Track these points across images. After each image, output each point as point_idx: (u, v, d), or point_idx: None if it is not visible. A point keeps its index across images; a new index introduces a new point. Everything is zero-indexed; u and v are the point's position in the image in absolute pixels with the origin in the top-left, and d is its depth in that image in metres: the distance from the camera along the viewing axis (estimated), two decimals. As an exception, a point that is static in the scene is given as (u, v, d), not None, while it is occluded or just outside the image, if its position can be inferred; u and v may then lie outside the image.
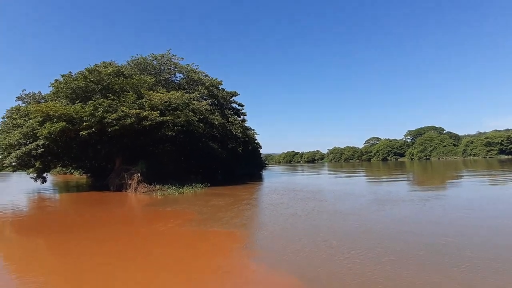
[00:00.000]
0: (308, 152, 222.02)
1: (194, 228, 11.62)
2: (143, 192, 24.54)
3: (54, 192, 31.24)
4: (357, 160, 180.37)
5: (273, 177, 46.26)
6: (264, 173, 59.20)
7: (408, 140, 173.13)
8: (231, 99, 44.17)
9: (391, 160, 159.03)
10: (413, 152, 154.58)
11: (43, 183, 32.64)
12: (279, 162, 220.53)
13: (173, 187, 25.26)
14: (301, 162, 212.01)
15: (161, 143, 30.32)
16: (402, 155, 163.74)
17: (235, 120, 39.62)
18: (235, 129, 37.69)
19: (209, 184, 28.00)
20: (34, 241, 11.07)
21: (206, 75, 38.89)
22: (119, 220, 15.00)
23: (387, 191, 21.61)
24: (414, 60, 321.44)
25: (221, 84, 40.65)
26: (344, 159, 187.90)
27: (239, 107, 47.44)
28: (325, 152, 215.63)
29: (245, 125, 47.85)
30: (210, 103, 34.24)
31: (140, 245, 9.85)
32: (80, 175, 55.95)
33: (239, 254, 8.52)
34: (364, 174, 48.37)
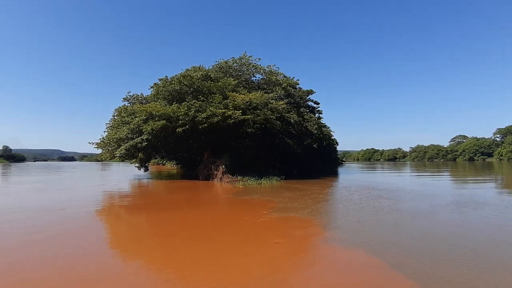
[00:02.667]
0: (388, 150, 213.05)
1: (277, 214, 12.96)
2: (227, 182, 27.71)
3: (153, 179, 36.47)
4: (441, 160, 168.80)
5: (348, 174, 46.70)
6: (340, 170, 59.22)
7: (498, 139, 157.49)
8: (307, 97, 45.93)
9: (477, 160, 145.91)
10: (502, 152, 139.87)
11: (145, 171, 38.84)
12: (357, 160, 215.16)
13: (253, 179, 27.89)
14: (380, 160, 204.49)
15: (242, 139, 33.39)
16: (490, 155, 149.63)
17: (310, 118, 41.02)
18: (310, 126, 39.06)
19: (284, 178, 30.10)
20: (140, 217, 13.79)
21: (284, 76, 41.07)
22: (212, 203, 18.09)
23: (470, 194, 20.62)
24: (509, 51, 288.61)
25: (298, 84, 42.74)
26: (428, 158, 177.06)
27: (315, 105, 48.89)
28: (407, 150, 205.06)
29: (321, 122, 49.21)
30: (287, 102, 36.15)
31: (236, 224, 12.14)
32: (172, 166, 62.99)
33: (320, 237, 9.52)
34: (447, 174, 46.29)
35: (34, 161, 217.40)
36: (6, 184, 31.69)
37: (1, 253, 7.92)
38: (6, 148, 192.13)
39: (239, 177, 28.34)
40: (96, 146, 33.61)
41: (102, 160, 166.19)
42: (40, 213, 13.59)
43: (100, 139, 33.53)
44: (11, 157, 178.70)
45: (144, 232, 10.95)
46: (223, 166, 29.36)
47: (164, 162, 63.79)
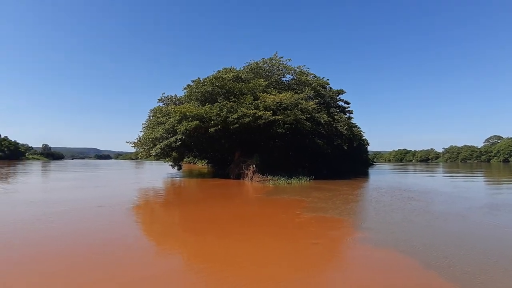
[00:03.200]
0: (421, 151, 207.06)
1: (310, 214, 13.09)
2: (257, 181, 28.29)
3: (185, 177, 37.66)
4: (475, 161, 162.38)
5: (379, 175, 46.22)
6: (371, 171, 58.56)
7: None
8: (337, 97, 45.79)
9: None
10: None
11: (178, 169, 40.33)
12: (389, 161, 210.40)
13: (282, 179, 28.14)
14: (413, 161, 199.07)
15: (272, 139, 33.80)
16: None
17: (341, 118, 40.95)
18: (340, 126, 39.04)
19: (314, 178, 30.21)
20: (176, 214, 14.33)
21: (314, 76, 41.14)
22: (246, 202, 18.79)
23: (504, 196, 20.42)
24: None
25: (328, 84, 42.75)
26: (461, 159, 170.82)
27: (345, 105, 48.62)
28: (440, 151, 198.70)
29: (352, 122, 48.87)
30: (317, 102, 36.23)
31: (272, 223, 12.73)
32: (202, 165, 64.61)
33: (354, 238, 9.74)
34: (481, 176, 44.96)
35: (72, 159, 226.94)
36: (47, 182, 33.58)
37: (44, 253, 7.91)
38: (45, 146, 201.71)
39: (269, 177, 28.70)
40: (133, 145, 35.35)
41: (136, 159, 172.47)
42: (79, 211, 13.92)
43: (137, 138, 35.29)
44: (50, 155, 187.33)
45: (181, 230, 11.29)
46: (254, 166, 29.96)
47: (196, 161, 65.49)
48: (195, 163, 72.71)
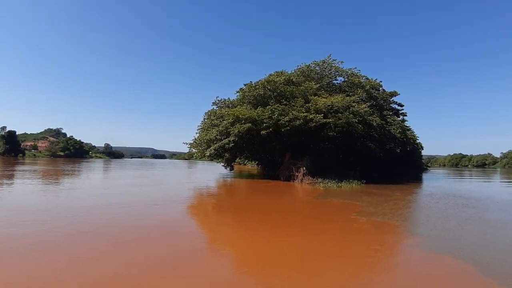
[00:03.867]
0: (477, 156, 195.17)
1: (366, 219, 13.13)
2: (307, 183, 28.58)
3: (237, 177, 39.03)
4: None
5: (433, 180, 44.46)
6: (424, 176, 56.21)
7: None
8: (390, 100, 44.68)
9: None
10: None
11: (230, 170, 42.01)
12: (444, 165, 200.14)
13: (333, 181, 28.16)
14: (468, 166, 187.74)
15: (322, 141, 33.90)
16: None
17: (394, 121, 39.94)
18: (393, 129, 38.10)
19: (365, 181, 29.99)
20: (231, 215, 14.65)
21: (366, 78, 40.66)
22: (299, 204, 19.49)
23: None
24: None
25: (381, 86, 41.93)
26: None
27: (399, 107, 47.24)
28: (498, 156, 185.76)
29: (405, 125, 47.42)
30: (369, 105, 35.93)
31: (329, 227, 13.18)
32: (252, 166, 66.21)
33: (411, 244, 9.77)
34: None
35: (131, 157, 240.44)
36: (108, 179, 36.29)
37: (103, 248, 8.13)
38: (107, 146, 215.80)
39: (319, 179, 28.89)
40: (189, 146, 37.53)
41: (188, 159, 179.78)
42: (136, 209, 14.29)
43: (193, 140, 37.26)
44: (112, 153, 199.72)
45: (237, 231, 11.21)
46: (304, 168, 30.32)
47: (245, 162, 67.15)
48: (244, 164, 74.59)
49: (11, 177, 30.36)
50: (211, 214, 15.09)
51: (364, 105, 33.54)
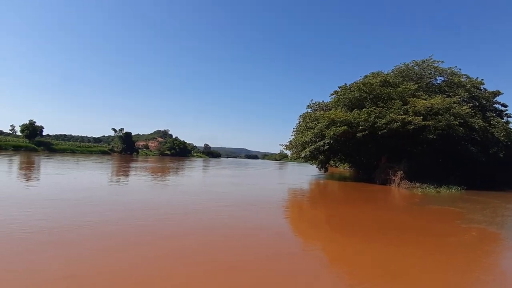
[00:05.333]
0: None
1: (466, 225, 12.96)
2: (404, 188, 28.15)
3: (330, 179, 40.15)
4: None
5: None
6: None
7: None
8: (493, 100, 41.74)
9: None
10: None
11: (325, 172, 43.87)
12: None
13: (431, 187, 27.39)
14: None
15: (420, 144, 33.39)
16: None
17: (497, 123, 37.19)
18: (497, 132, 35.54)
19: (465, 187, 28.58)
20: (329, 218, 14.80)
21: (467, 77, 38.76)
22: (399, 209, 20.11)
23: None
24: None
25: (483, 84, 39.47)
26: None
27: (503, 108, 43.65)
28: None
29: (510, 127, 43.69)
30: (471, 106, 34.35)
31: (435, 235, 12.84)
32: (344, 168, 66.68)
33: None
34: None
35: (227, 157, 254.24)
36: (208, 176, 39.70)
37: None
38: (206, 146, 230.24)
39: (417, 184, 28.20)
40: (285, 147, 40.11)
41: (279, 159, 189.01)
42: (235, 208, 14.81)
43: (289, 141, 39.69)
44: (210, 153, 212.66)
45: (336, 233, 11.05)
46: (401, 172, 30.12)
47: (337, 164, 67.80)
48: (336, 166, 74.94)
49: (137, 172, 35.74)
50: (308, 219, 14.56)
51: (465, 107, 32.23)
